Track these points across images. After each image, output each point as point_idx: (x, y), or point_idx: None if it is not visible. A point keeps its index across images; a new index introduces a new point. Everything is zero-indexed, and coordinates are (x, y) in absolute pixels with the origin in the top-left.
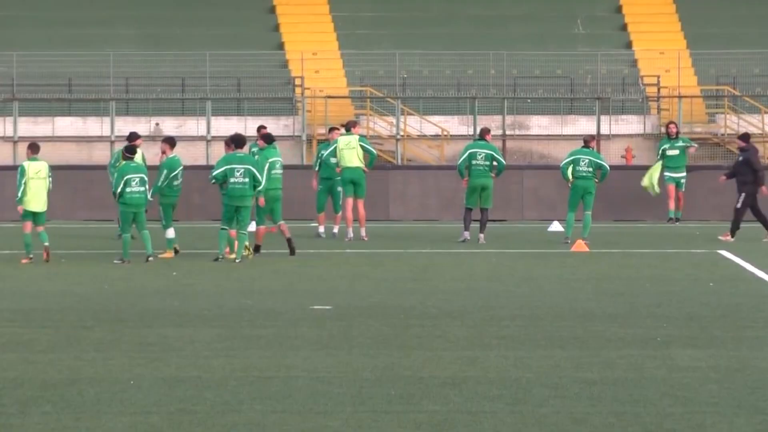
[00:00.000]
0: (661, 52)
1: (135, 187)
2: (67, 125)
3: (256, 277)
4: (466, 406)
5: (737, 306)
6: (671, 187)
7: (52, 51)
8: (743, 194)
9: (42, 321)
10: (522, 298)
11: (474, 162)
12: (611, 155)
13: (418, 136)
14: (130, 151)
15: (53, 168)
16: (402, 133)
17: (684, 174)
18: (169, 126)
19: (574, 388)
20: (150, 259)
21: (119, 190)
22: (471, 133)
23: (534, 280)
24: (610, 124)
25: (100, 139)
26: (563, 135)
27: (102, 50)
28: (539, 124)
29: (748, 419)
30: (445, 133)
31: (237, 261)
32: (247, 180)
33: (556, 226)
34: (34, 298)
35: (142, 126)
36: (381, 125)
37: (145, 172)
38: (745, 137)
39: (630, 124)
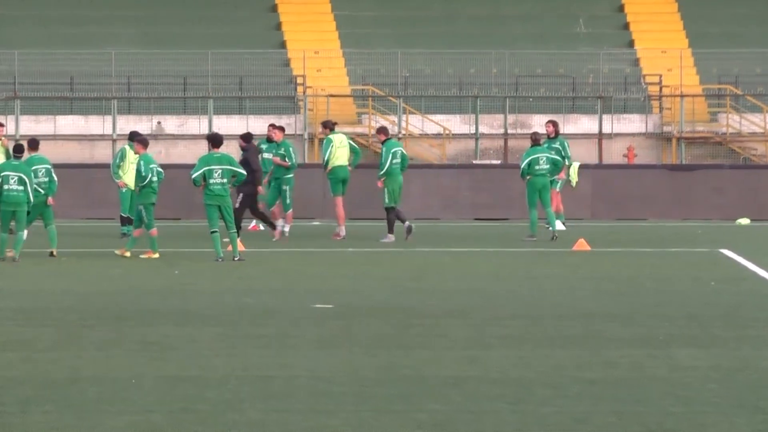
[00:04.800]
0: (663, 51)
1: (13, 185)
2: (68, 124)
3: (256, 276)
4: (468, 405)
5: (738, 305)
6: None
7: (54, 49)
8: (241, 194)
9: (43, 319)
10: (523, 298)
11: (395, 161)
12: (613, 154)
13: (420, 134)
14: (17, 150)
15: (54, 166)
16: (404, 132)
17: (559, 175)
18: (171, 124)
19: (576, 387)
20: (8, 258)
21: None
22: (473, 132)
23: (535, 279)
24: (612, 123)
25: (102, 137)
26: (565, 134)
27: (104, 49)
28: (541, 123)
29: (749, 419)
30: (447, 132)
31: (236, 259)
32: (225, 180)
33: (558, 225)
34: (35, 297)
35: (144, 124)
36: (383, 124)
37: (26, 172)
38: (247, 137)
39: (632, 123)
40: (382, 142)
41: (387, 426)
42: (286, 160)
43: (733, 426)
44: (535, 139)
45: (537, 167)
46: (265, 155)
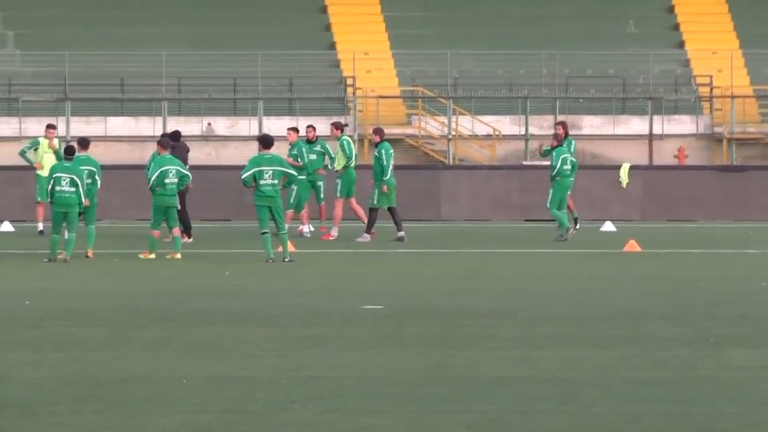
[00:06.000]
0: (714, 51)
1: (65, 187)
2: (119, 125)
3: (306, 277)
4: (517, 405)
5: None
6: None
7: (105, 51)
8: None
9: (94, 320)
10: (573, 298)
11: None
12: (664, 155)
13: (470, 135)
14: (68, 152)
15: (105, 167)
16: (454, 133)
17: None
18: (221, 126)
19: (626, 387)
20: (60, 259)
21: (49, 189)
22: (523, 133)
23: (585, 279)
24: (663, 124)
25: (152, 138)
26: (615, 135)
27: (154, 50)
28: (591, 124)
29: None
30: (497, 132)
31: (286, 260)
32: (276, 181)
33: (608, 226)
34: (85, 298)
35: (194, 126)
36: (433, 125)
37: (77, 173)
38: (175, 136)
39: (683, 124)
40: (377, 144)
41: (437, 426)
42: (299, 160)
43: None
44: (559, 140)
45: (565, 167)
46: (310, 156)
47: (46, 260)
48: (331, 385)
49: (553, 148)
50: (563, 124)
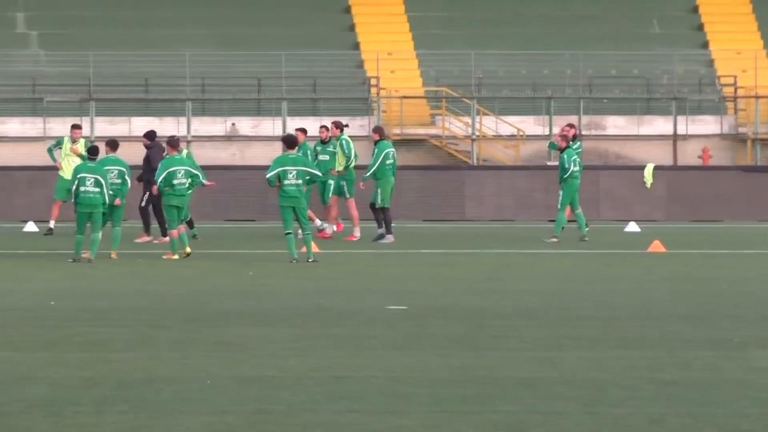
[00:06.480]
0: (738, 52)
1: (89, 187)
2: (143, 125)
3: (330, 277)
4: (541, 406)
5: None
6: None
7: (129, 51)
8: (147, 194)
9: (118, 320)
10: (597, 299)
11: (388, 162)
12: (688, 156)
13: (494, 136)
14: (92, 152)
15: (131, 168)
16: (477, 134)
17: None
18: (245, 126)
19: (650, 389)
20: (84, 259)
21: (74, 189)
22: (547, 133)
23: (609, 280)
24: (687, 125)
25: None
26: (640, 135)
27: (178, 50)
28: (615, 125)
29: None
30: (521, 133)
31: (310, 261)
32: (300, 181)
33: (632, 227)
34: (110, 298)
35: (218, 126)
36: (457, 125)
37: (102, 173)
38: (151, 135)
39: (707, 125)
40: (375, 143)
41: (461, 427)
42: None
43: None
44: (568, 141)
45: (575, 169)
46: (320, 156)
47: (70, 260)
48: (355, 385)
49: (562, 150)
50: (573, 126)
